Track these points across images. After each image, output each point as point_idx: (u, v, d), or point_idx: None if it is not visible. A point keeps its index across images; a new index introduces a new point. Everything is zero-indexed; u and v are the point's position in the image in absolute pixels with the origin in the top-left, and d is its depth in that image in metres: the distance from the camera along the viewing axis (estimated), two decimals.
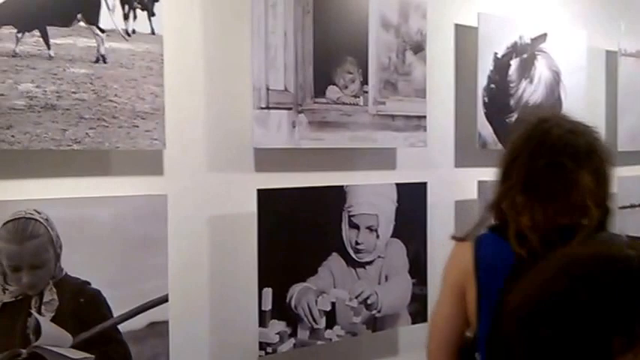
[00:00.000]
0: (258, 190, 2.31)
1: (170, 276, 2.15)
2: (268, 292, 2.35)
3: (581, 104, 3.45)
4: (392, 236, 2.70)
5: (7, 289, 1.87)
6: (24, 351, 1.88)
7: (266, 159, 2.43)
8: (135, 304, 2.08)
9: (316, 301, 2.48)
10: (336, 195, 2.54)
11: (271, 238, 2.34)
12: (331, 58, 2.53)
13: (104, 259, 2.03)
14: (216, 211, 2.32)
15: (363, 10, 2.62)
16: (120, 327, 2.06)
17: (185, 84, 2.25)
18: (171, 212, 2.17)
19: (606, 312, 1.10)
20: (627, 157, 3.79)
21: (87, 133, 1.99)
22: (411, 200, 2.75)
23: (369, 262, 2.64)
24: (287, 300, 2.41)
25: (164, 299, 2.13)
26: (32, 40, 1.91)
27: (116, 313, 2.05)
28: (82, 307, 1.99)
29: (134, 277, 2.08)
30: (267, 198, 2.33)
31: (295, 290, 2.43)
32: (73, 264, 1.98)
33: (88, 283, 2.00)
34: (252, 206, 2.30)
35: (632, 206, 3.78)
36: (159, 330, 2.12)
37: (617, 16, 3.79)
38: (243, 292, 2.35)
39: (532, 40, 3.24)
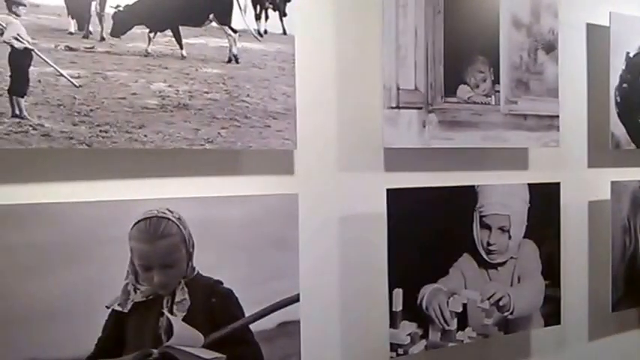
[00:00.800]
0: (388, 190, 1.90)
1: (301, 276, 1.78)
2: (399, 292, 1.94)
3: None
4: (524, 237, 2.21)
5: (139, 289, 1.55)
6: (155, 351, 1.56)
7: (396, 159, 2.01)
8: (266, 303, 1.73)
9: (447, 303, 2.04)
10: (467, 195, 2.09)
11: (401, 239, 1.93)
12: (462, 57, 2.08)
13: (235, 259, 1.69)
14: (346, 211, 1.93)
15: (494, 9, 2.16)
16: (251, 327, 1.70)
17: (316, 84, 1.88)
18: (302, 212, 1.80)
19: None
20: None
21: (219, 133, 1.66)
22: (544, 201, 2.26)
23: (501, 264, 2.17)
24: (418, 301, 1.98)
25: (295, 299, 1.76)
26: (164, 40, 1.60)
27: (247, 313, 1.70)
28: (214, 306, 1.65)
29: (265, 276, 1.73)
30: (396, 198, 1.92)
31: (426, 291, 2.00)
32: (205, 263, 1.65)
33: (220, 283, 1.66)
34: (381, 206, 1.90)
35: None
36: (290, 330, 1.76)
37: None
38: (374, 293, 1.95)
39: None
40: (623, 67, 2.52)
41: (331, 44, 1.90)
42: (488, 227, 2.13)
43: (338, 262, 1.92)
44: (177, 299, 1.60)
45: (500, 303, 2.16)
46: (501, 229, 2.16)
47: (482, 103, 2.11)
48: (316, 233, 1.87)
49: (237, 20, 1.69)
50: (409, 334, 1.96)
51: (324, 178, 1.90)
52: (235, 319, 1.67)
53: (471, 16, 2.10)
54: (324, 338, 1.89)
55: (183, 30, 1.62)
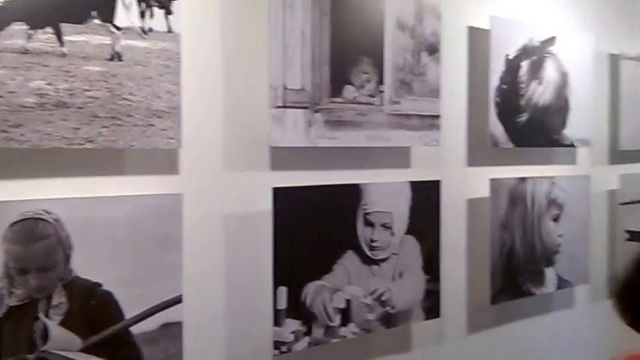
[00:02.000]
0: (274, 189, 2.03)
1: (185, 276, 1.88)
2: (283, 290, 2.07)
3: (588, 105, 3.15)
4: (406, 233, 2.41)
5: (14, 293, 1.59)
6: (30, 356, 1.61)
7: (282, 157, 2.14)
8: (148, 305, 1.81)
9: (331, 299, 2.20)
10: (352, 193, 2.26)
11: (287, 237, 2.06)
12: (348, 58, 2.24)
13: (117, 260, 1.76)
14: (232, 210, 2.04)
15: (379, 11, 2.32)
16: (132, 329, 1.78)
17: (202, 82, 1.97)
18: (187, 211, 1.89)
19: None
20: (629, 156, 3.49)
21: (100, 132, 1.72)
22: (425, 198, 2.46)
23: (384, 259, 2.35)
24: (302, 298, 2.13)
25: (178, 300, 1.86)
26: (44, 37, 1.63)
27: (128, 315, 1.78)
28: (93, 309, 1.72)
29: (147, 277, 1.81)
30: (282, 196, 2.05)
31: (310, 288, 2.15)
32: (84, 265, 1.70)
33: (99, 285, 1.73)
34: (267, 205, 2.02)
35: (634, 202, 3.47)
36: (172, 331, 1.85)
37: (619, 21, 3.47)
38: (258, 292, 2.07)
39: (541, 42, 2.93)
40: (503, 69, 2.77)
41: (217, 43, 2.00)
42: (372, 224, 2.31)
43: (223, 261, 2.02)
44: (54, 302, 1.65)
45: (383, 298, 2.34)
46: (384, 226, 2.34)
47: (366, 103, 2.28)
48: (201, 233, 1.97)
49: (121, 17, 1.75)
50: (293, 332, 2.09)
51: (210, 178, 2.00)
52: (115, 322, 1.75)
53: (357, 18, 2.26)
54: (208, 338, 2.00)
55: (64, 27, 1.66)
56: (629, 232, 3.45)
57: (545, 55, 2.95)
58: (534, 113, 2.90)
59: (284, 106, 2.07)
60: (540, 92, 2.94)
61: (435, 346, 2.64)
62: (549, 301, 3.12)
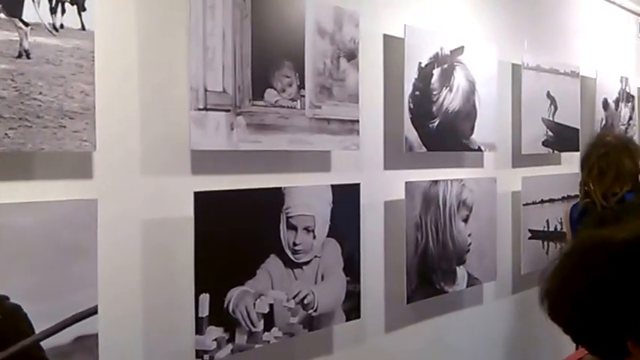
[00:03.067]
0: (195, 193, 1.86)
1: (100, 286, 1.68)
2: (205, 297, 1.91)
3: (493, 112, 3.15)
4: (328, 236, 2.30)
5: None
6: None
7: (204, 161, 1.98)
8: (61, 317, 1.61)
9: (254, 304, 2.05)
10: (274, 197, 2.12)
11: (208, 242, 1.90)
12: (269, 61, 2.10)
13: (26, 271, 1.55)
14: (151, 215, 1.86)
15: (300, 16, 2.21)
16: (43, 343, 1.57)
17: (118, 83, 1.78)
18: (102, 218, 1.70)
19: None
20: (530, 160, 3.52)
21: (6, 134, 1.51)
22: (345, 201, 2.36)
23: (306, 263, 2.23)
24: (225, 305, 1.97)
25: (93, 311, 1.66)
26: None
27: (40, 329, 1.57)
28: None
29: (60, 288, 1.61)
30: (204, 201, 1.89)
31: (233, 294, 1.99)
32: None
33: (6, 298, 1.52)
34: (189, 210, 1.86)
35: (535, 203, 3.50)
36: (87, 344, 1.65)
37: (521, 32, 3.50)
38: (180, 300, 1.90)
39: (451, 51, 2.89)
40: (416, 76, 2.71)
41: (134, 41, 1.82)
42: (294, 228, 2.18)
43: (141, 269, 1.84)
44: None
45: (305, 301, 2.21)
46: (306, 229, 2.22)
47: (288, 107, 2.15)
48: (118, 240, 1.78)
49: (29, 12, 1.55)
50: (215, 339, 1.94)
51: (127, 182, 1.81)
52: (24, 337, 1.54)
53: (278, 22, 2.13)
54: (126, 350, 1.81)
55: None
56: (531, 231, 3.48)
57: (455, 63, 2.92)
58: (445, 119, 2.86)
59: (205, 109, 1.91)
60: (450, 99, 2.90)
61: (355, 346, 2.53)
62: (461, 299, 3.09)
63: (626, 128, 4.36)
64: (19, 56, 1.53)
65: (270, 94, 2.10)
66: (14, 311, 1.53)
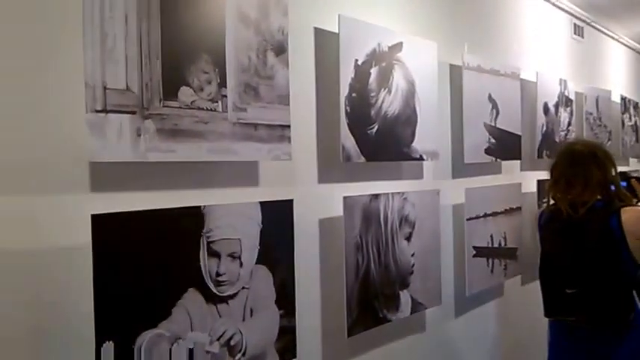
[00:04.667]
0: (93, 216, 1.57)
1: None
2: (109, 347, 1.62)
3: (433, 117, 2.99)
4: (257, 263, 2.05)
5: None
6: None
7: (104, 176, 1.69)
8: None
9: (170, 351, 1.77)
10: (192, 218, 1.86)
11: (111, 277, 1.63)
12: (183, 53, 1.84)
13: None
14: (37, 245, 1.55)
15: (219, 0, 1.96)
16: None
17: None
18: None
19: None
20: (471, 169, 3.40)
21: None
22: (277, 220, 2.13)
23: (232, 296, 1.97)
24: (134, 355, 1.68)
25: None
26: None
27: None
28: None
29: None
30: (104, 225, 1.61)
31: (144, 339, 1.71)
32: None
33: None
34: (85, 237, 1.56)
35: (478, 217, 3.38)
36: None
37: (459, 30, 3.39)
38: (76, 351, 1.59)
39: (389, 48, 2.72)
40: (352, 76, 2.51)
41: (13, 27, 1.51)
42: (217, 255, 1.92)
43: (24, 316, 1.52)
44: None
45: (232, 342, 1.96)
46: (232, 255, 1.97)
47: (207, 109, 1.90)
48: None
49: None
50: None
51: (5, 204, 1.49)
52: None
53: (193, 5, 1.87)
54: None
55: None
56: (475, 248, 3.35)
57: (394, 61, 2.74)
58: (384, 124, 2.67)
59: (105, 111, 1.63)
60: (389, 102, 2.72)
61: None
62: (404, 327, 2.90)
63: (566, 134, 4.35)
64: None
65: (184, 93, 1.83)
66: None
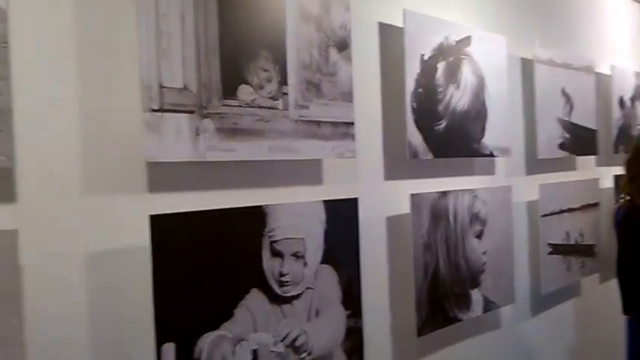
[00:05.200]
0: (152, 217, 1.47)
1: (31, 342, 1.28)
2: (170, 348, 1.51)
3: (504, 112, 2.77)
4: (322, 263, 1.91)
5: None
6: None
7: (162, 176, 1.58)
8: None
9: (233, 352, 1.66)
10: (254, 217, 1.73)
11: (171, 278, 1.52)
12: (242, 51, 1.72)
13: None
14: (95, 247, 1.47)
15: None
16: None
17: (45, 77, 1.39)
18: (27, 254, 1.30)
19: None
20: (546, 165, 3.15)
21: None
22: (341, 219, 1.98)
23: (296, 296, 1.84)
24: (195, 356, 1.57)
25: None
26: None
27: None
28: None
29: None
30: (163, 226, 1.50)
31: (206, 342, 1.60)
32: None
33: None
34: (144, 238, 1.46)
35: (554, 213, 3.12)
36: None
37: (530, 23, 3.14)
38: (137, 353, 1.50)
39: (457, 42, 2.52)
40: (418, 71, 2.33)
41: (67, 23, 1.43)
42: (281, 254, 1.79)
43: (86, 316, 1.44)
44: None
45: (297, 343, 1.82)
46: (295, 255, 1.83)
47: (268, 107, 1.77)
48: (51, 282, 1.38)
49: None
50: None
51: (62, 206, 1.41)
52: None
53: (252, 1, 1.75)
54: None
55: None
56: (551, 245, 3.10)
57: (462, 56, 2.55)
58: (453, 120, 2.48)
59: (161, 110, 1.52)
60: (458, 97, 2.53)
61: None
62: (476, 326, 2.69)
63: None
64: None
65: (244, 92, 1.71)
66: None
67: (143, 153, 1.49)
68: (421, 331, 2.29)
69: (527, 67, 3.08)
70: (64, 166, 1.42)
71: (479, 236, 2.62)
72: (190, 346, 1.56)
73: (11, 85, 1.28)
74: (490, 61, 2.70)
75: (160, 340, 1.49)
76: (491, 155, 2.70)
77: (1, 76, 1.27)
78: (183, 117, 1.57)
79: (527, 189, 3.05)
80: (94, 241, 1.46)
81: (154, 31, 1.51)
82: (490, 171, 2.82)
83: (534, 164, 3.10)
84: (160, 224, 1.50)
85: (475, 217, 2.60)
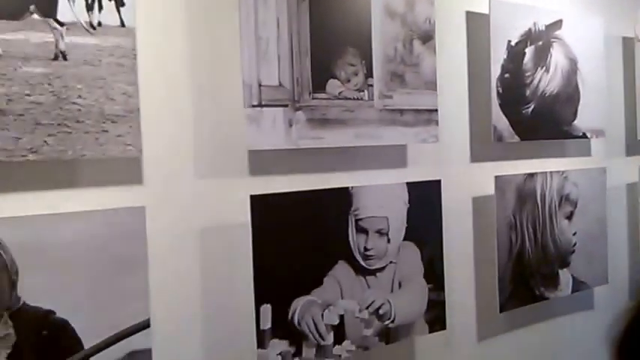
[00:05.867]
0: (252, 196, 1.82)
1: (152, 298, 1.68)
2: (267, 308, 1.86)
3: (600, 93, 2.90)
4: (404, 239, 2.19)
5: None
6: None
7: (261, 162, 1.93)
8: (111, 332, 1.61)
9: (322, 315, 1.99)
10: (341, 198, 2.04)
11: (268, 250, 1.86)
12: (331, 49, 2.02)
13: (73, 284, 1.56)
14: (205, 223, 1.84)
15: None
16: (94, 359, 1.58)
17: (165, 82, 1.77)
18: (152, 226, 1.69)
19: None
20: None
21: (45, 141, 1.52)
22: (424, 200, 2.24)
23: (380, 269, 2.13)
24: (289, 316, 1.92)
25: (145, 324, 1.65)
26: None
27: (89, 344, 1.57)
28: (45, 340, 1.52)
29: (109, 301, 1.61)
30: (262, 205, 1.84)
31: (298, 305, 1.94)
32: (34, 291, 1.51)
33: (53, 313, 1.53)
34: (246, 215, 1.81)
35: None
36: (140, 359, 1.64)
37: (632, 1, 3.22)
38: (239, 311, 1.86)
39: (547, 26, 2.69)
40: (505, 57, 2.54)
41: (180, 36, 1.79)
42: (365, 231, 2.09)
43: (197, 279, 1.82)
44: None
45: (380, 311, 2.12)
46: (379, 232, 2.13)
47: (354, 98, 2.07)
48: (171, 249, 1.77)
49: (64, 11, 1.55)
50: (280, 354, 1.89)
51: (180, 187, 1.79)
52: (72, 353, 1.55)
53: (340, 5, 2.05)
54: None
55: None
56: None
57: (552, 39, 2.72)
58: (541, 103, 2.67)
59: (260, 105, 1.86)
60: (547, 80, 2.71)
61: (443, 357, 2.41)
62: (565, 305, 2.88)
63: None
64: (55, 58, 1.54)
65: (332, 86, 2.02)
66: (61, 326, 1.54)
67: (245, 142, 1.83)
68: (503, 307, 2.52)
69: (628, 46, 3.17)
70: (180, 155, 1.79)
71: (569, 217, 2.79)
72: (284, 308, 1.91)
73: (139, 90, 1.65)
74: (585, 42, 2.84)
75: (259, 302, 1.84)
76: (584, 137, 2.86)
77: (131, 82, 1.64)
78: (279, 110, 1.90)
79: (627, 170, 3.16)
80: (205, 216, 1.83)
81: (254, 37, 1.85)
82: (585, 152, 2.97)
83: (635, 145, 3.20)
84: (259, 203, 1.84)
85: (565, 199, 2.78)
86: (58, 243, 1.54)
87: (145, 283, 1.67)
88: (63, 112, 1.54)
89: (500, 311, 2.51)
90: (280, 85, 1.91)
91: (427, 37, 2.27)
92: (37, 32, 1.52)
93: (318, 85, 1.99)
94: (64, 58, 1.55)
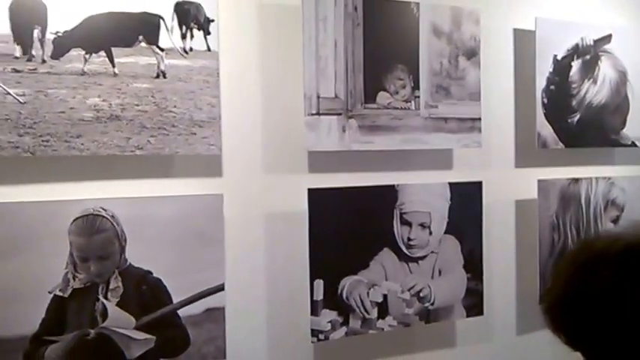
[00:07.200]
0: (309, 190, 2.42)
1: (227, 268, 2.31)
2: (319, 283, 2.46)
3: None
4: (445, 233, 2.74)
5: (77, 277, 2.07)
6: (92, 331, 2.08)
7: (318, 161, 2.53)
8: (193, 291, 2.25)
9: (368, 293, 2.56)
10: (387, 193, 2.61)
11: (321, 234, 2.44)
12: (381, 66, 2.60)
13: (164, 252, 2.20)
14: (271, 210, 2.46)
15: (414, 19, 2.67)
16: (179, 312, 2.22)
17: (240, 94, 2.40)
18: (229, 211, 2.32)
19: None
20: None
21: (148, 141, 2.17)
22: (466, 198, 2.78)
23: (422, 257, 2.69)
24: (338, 291, 2.51)
25: (220, 288, 2.28)
26: (99, 60, 2.12)
27: (176, 299, 2.22)
28: (144, 293, 2.17)
29: (192, 267, 2.24)
30: (317, 197, 2.43)
31: (347, 282, 2.52)
32: (137, 256, 2.16)
33: (150, 273, 2.18)
34: (304, 204, 2.42)
35: None
36: (215, 315, 2.27)
37: None
38: (296, 284, 2.47)
39: (595, 41, 3.17)
40: (550, 70, 3.04)
41: (254, 57, 2.43)
42: (409, 223, 2.65)
43: (263, 256, 2.45)
44: (111, 287, 2.11)
45: (421, 294, 2.68)
46: (422, 225, 2.68)
47: (401, 108, 2.64)
48: (242, 230, 2.40)
49: (165, 40, 2.21)
50: (330, 322, 2.48)
51: (250, 180, 2.42)
52: (164, 305, 2.19)
53: (391, 27, 2.63)
54: (249, 324, 2.42)
55: (115, 50, 2.13)
56: None
57: (600, 53, 3.19)
58: (588, 113, 3.14)
59: (318, 114, 2.46)
60: (594, 92, 3.18)
61: (479, 343, 2.94)
62: None
63: None
64: (157, 76, 2.19)
65: (382, 97, 2.60)
66: (157, 284, 2.19)
67: (305, 144, 2.44)
68: (543, 299, 3.01)
69: None
70: (251, 154, 2.42)
71: (614, 221, 3.25)
72: (335, 284, 2.50)
73: (220, 101, 2.29)
74: (635, 54, 3.30)
75: (313, 277, 2.44)
76: (633, 145, 3.31)
77: (214, 95, 2.28)
78: (334, 118, 2.50)
79: None
80: (270, 205, 2.46)
81: (314, 56, 2.45)
82: (634, 161, 3.42)
83: None
84: (315, 195, 2.44)
85: (612, 203, 3.24)
86: (156, 219, 2.19)
87: (221, 254, 2.30)
88: (162, 119, 2.20)
89: (540, 302, 3.01)
90: (336, 96, 2.51)
91: (472, 53, 2.82)
92: (144, 56, 2.18)
93: (369, 97, 2.58)
94: (164, 76, 2.20)
